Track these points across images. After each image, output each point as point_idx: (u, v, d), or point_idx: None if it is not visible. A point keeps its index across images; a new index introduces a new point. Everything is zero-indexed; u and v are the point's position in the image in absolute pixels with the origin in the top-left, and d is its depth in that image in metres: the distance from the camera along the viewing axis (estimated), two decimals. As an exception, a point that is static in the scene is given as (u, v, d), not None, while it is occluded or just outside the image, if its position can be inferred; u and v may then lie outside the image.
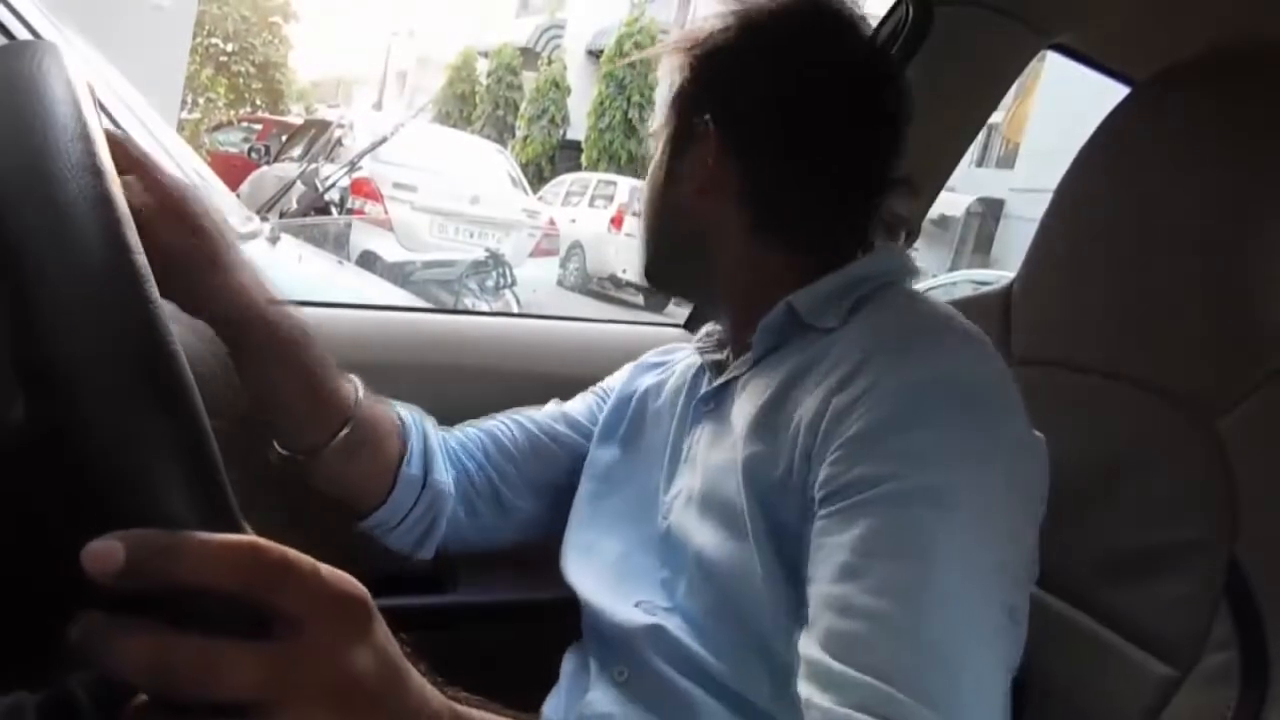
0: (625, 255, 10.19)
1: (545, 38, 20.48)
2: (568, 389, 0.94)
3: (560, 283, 8.48)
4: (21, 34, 0.95)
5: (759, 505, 0.61)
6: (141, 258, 0.32)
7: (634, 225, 10.32)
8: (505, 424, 0.87)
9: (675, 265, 0.77)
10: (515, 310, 4.40)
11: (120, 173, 0.53)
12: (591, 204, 10.92)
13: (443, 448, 0.82)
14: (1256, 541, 0.68)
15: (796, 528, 0.59)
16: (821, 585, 0.55)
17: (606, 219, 10.46)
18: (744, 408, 0.67)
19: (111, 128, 0.52)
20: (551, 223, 6.80)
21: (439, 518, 0.79)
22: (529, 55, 20.28)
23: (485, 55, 21.22)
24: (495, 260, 4.77)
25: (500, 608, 1.05)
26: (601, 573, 0.75)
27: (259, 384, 0.69)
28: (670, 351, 0.89)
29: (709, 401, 0.74)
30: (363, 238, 5.05)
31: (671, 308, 9.90)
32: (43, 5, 1.07)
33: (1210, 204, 0.72)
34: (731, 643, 0.63)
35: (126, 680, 0.28)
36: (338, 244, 4.52)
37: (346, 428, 0.72)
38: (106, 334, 0.30)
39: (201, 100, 11.08)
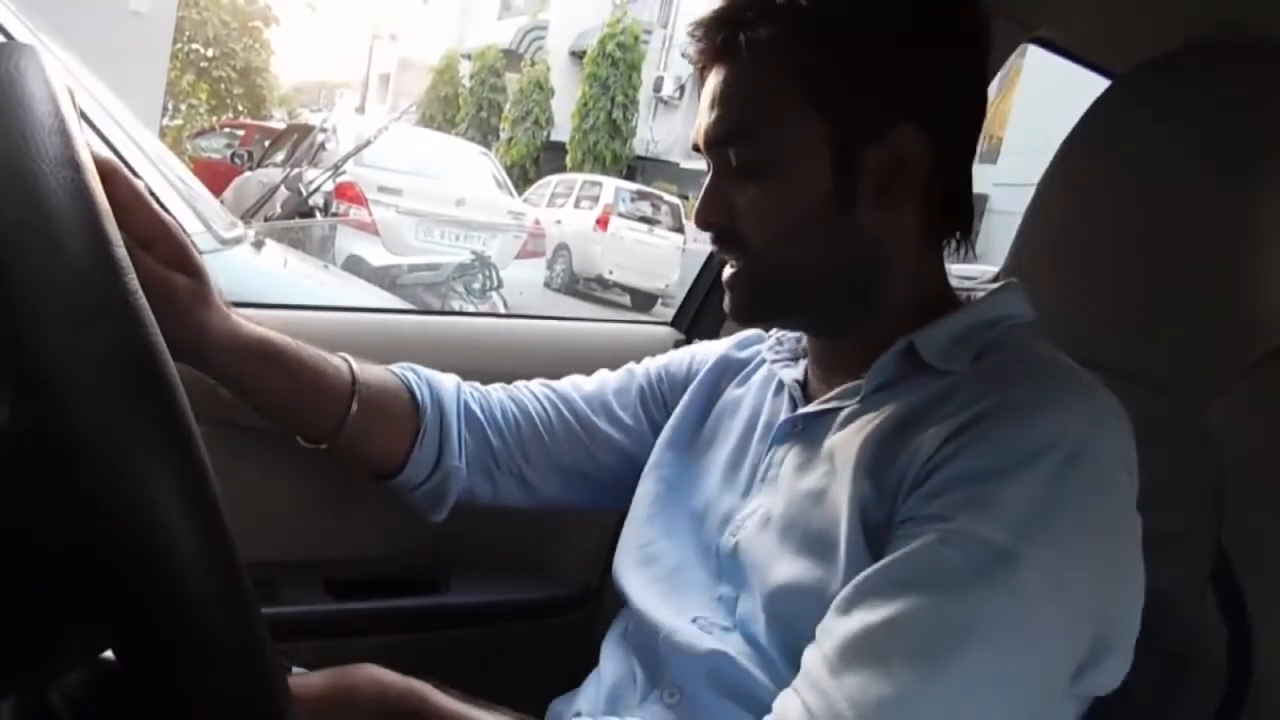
0: (611, 255, 10.21)
1: (528, 39, 20.46)
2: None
3: (547, 284, 8.46)
4: (-2, 41, 0.94)
5: (867, 545, 0.58)
6: (121, 250, 0.32)
7: (621, 226, 10.39)
8: (541, 404, 0.84)
9: (827, 304, 0.67)
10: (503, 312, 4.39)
11: (121, 209, 0.53)
12: (577, 205, 10.91)
13: (463, 423, 0.81)
14: (1242, 530, 0.69)
15: None
16: (847, 589, 0.54)
17: (592, 220, 10.45)
18: (850, 442, 0.62)
19: (110, 157, 0.52)
20: (537, 224, 6.78)
21: (449, 492, 0.81)
22: (512, 57, 20.26)
23: (468, 58, 21.19)
24: (481, 262, 4.76)
25: (493, 609, 1.05)
26: (657, 580, 0.72)
27: (252, 400, 0.73)
28: (749, 345, 0.84)
29: (797, 424, 0.70)
30: (348, 242, 5.04)
31: (659, 307, 9.97)
32: (20, 13, 1.06)
33: (1192, 194, 0.73)
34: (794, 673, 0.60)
35: None
36: (323, 248, 4.51)
37: (349, 416, 0.74)
38: (88, 326, 0.30)
39: (183, 106, 11.02)
